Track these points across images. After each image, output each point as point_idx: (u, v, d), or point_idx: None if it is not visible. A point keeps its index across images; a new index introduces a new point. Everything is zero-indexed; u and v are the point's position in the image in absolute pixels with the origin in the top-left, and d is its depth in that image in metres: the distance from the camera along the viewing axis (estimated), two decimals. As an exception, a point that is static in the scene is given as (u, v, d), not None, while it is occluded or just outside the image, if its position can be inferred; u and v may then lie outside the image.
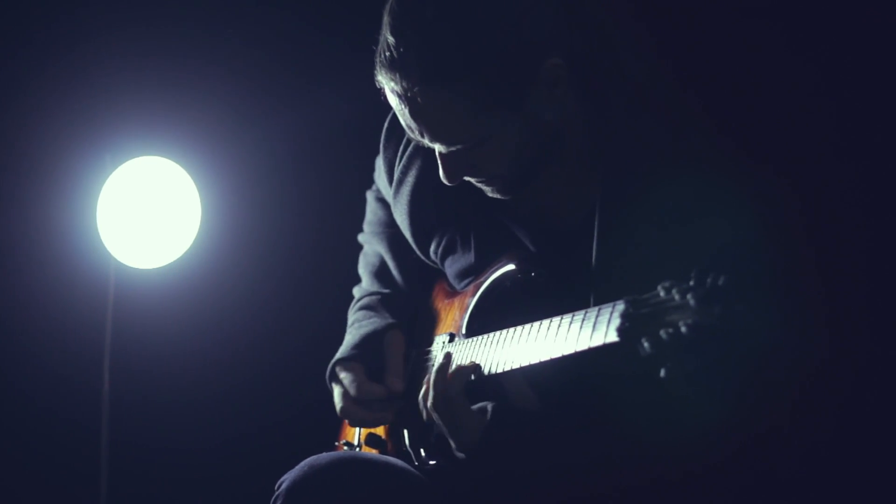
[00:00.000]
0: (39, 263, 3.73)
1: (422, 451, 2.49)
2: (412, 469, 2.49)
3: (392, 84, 2.19)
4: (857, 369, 2.39)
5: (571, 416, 2.23)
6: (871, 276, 2.45)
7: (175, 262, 3.64)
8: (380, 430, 2.68)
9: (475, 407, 2.29)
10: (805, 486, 2.36)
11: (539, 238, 2.40)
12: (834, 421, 2.37)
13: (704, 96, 2.34)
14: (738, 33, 2.64)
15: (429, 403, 2.31)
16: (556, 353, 2.07)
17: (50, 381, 3.74)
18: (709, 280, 1.78)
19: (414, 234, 2.56)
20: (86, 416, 3.66)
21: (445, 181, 2.30)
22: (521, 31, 2.16)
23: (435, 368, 2.33)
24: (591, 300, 2.08)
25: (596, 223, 2.24)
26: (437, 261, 2.56)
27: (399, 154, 2.56)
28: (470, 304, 2.43)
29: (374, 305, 2.74)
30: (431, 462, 2.47)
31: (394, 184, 2.57)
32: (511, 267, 2.37)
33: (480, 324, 2.41)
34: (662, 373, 1.81)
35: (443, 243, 2.52)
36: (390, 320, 2.67)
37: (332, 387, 2.67)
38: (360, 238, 2.89)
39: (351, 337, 2.69)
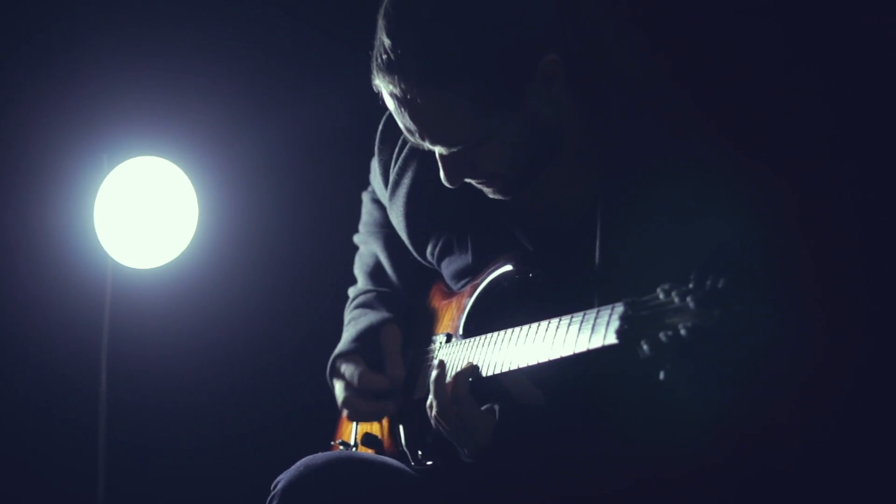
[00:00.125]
0: (37, 263, 3.73)
1: (418, 451, 2.49)
2: (408, 469, 2.49)
3: (390, 87, 2.19)
4: (856, 370, 2.40)
5: (575, 412, 2.23)
6: (869, 277, 2.45)
7: (172, 262, 3.64)
8: (376, 430, 2.68)
9: (482, 408, 2.29)
10: (805, 486, 2.36)
11: (537, 238, 2.40)
12: (833, 422, 2.37)
13: (702, 96, 2.34)
14: (737, 32, 2.64)
15: (434, 413, 2.30)
16: (555, 354, 2.07)
17: (47, 381, 3.74)
18: (708, 282, 1.78)
19: (410, 236, 2.56)
20: (83, 415, 3.66)
21: (447, 183, 2.30)
22: (517, 29, 2.15)
23: (432, 380, 2.33)
24: (595, 301, 2.07)
25: (598, 223, 2.24)
26: (434, 262, 2.55)
27: (394, 156, 2.56)
28: (467, 304, 2.43)
29: (370, 302, 2.74)
30: (428, 462, 2.47)
31: (390, 186, 2.57)
32: (509, 268, 2.37)
33: (478, 324, 2.41)
34: (662, 375, 1.81)
35: (439, 244, 2.52)
36: (386, 314, 2.67)
37: (332, 382, 2.67)
38: (356, 239, 2.89)
39: (348, 333, 2.70)
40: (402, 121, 2.25)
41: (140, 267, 3.63)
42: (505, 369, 2.21)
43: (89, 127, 3.70)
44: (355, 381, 2.59)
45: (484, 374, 2.27)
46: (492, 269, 2.40)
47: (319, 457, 2.41)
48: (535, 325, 2.16)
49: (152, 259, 3.61)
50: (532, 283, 2.36)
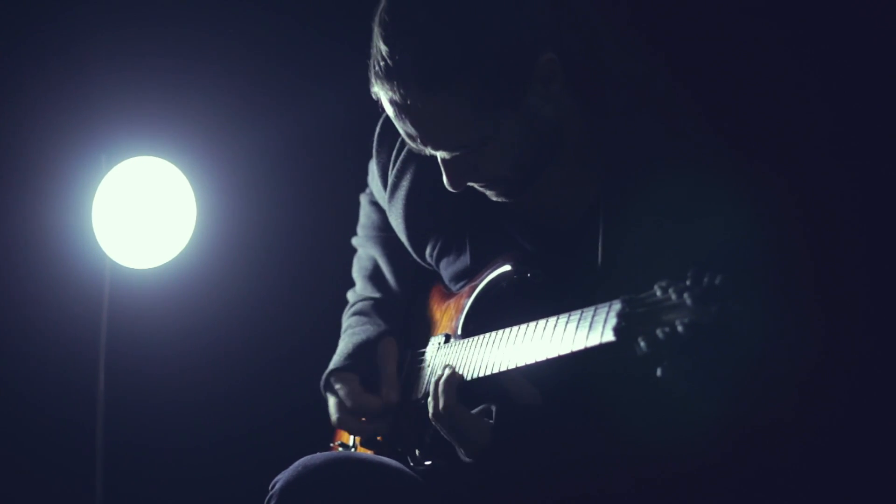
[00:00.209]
0: (35, 263, 3.73)
1: (416, 451, 2.49)
2: (407, 469, 2.49)
3: (390, 94, 2.18)
4: (854, 367, 2.40)
5: (574, 411, 2.23)
6: (867, 274, 2.45)
7: (170, 262, 3.64)
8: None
9: (477, 410, 2.28)
10: (803, 483, 2.36)
11: (537, 238, 2.40)
12: (832, 419, 2.37)
13: (701, 95, 2.34)
14: (735, 31, 2.64)
15: (430, 415, 2.30)
16: (553, 353, 2.07)
17: (45, 381, 3.74)
18: (705, 279, 1.78)
19: (410, 238, 2.56)
20: (81, 415, 3.66)
21: (450, 188, 2.29)
22: (513, 29, 2.15)
23: (433, 382, 2.32)
24: (598, 300, 2.06)
25: (601, 222, 2.24)
26: (433, 263, 2.55)
27: (393, 158, 2.55)
28: (466, 305, 2.43)
29: (367, 311, 2.73)
30: (426, 462, 2.47)
31: (388, 188, 2.56)
32: (507, 268, 2.37)
33: (476, 325, 2.40)
34: (659, 372, 1.81)
35: (438, 246, 2.52)
36: (383, 328, 2.67)
37: (326, 395, 2.67)
38: (354, 241, 2.89)
39: (344, 345, 2.69)
40: (403, 127, 2.24)
41: (138, 267, 3.63)
42: (503, 368, 2.21)
43: (87, 127, 3.70)
44: (348, 402, 2.59)
45: (482, 374, 2.26)
46: (490, 269, 2.40)
47: (317, 457, 2.41)
48: (532, 324, 2.16)
49: (150, 259, 3.62)
50: (531, 283, 2.36)
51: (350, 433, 2.69)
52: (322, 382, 2.68)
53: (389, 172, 2.56)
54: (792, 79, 2.60)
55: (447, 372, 2.30)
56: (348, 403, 2.59)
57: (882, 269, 2.48)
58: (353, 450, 2.73)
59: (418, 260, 2.58)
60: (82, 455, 3.65)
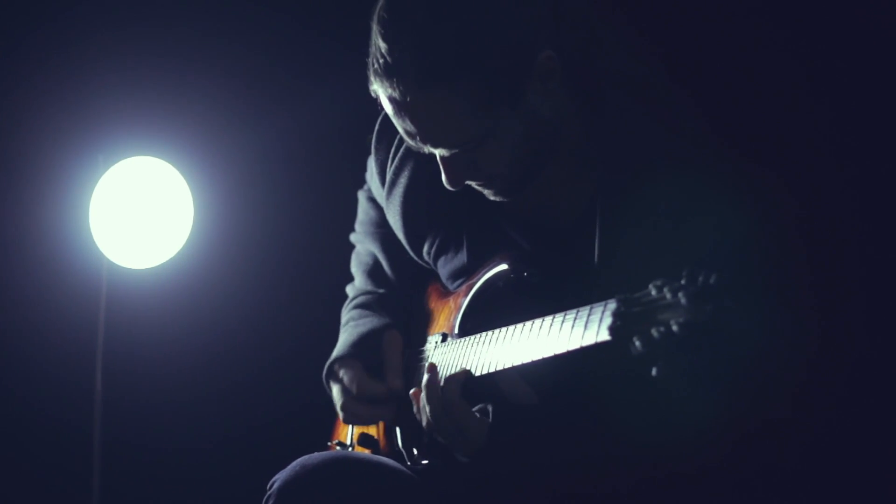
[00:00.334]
0: (32, 263, 3.73)
1: (414, 450, 2.49)
2: (404, 469, 2.49)
3: (389, 91, 2.17)
4: (850, 365, 2.40)
5: (569, 411, 2.23)
6: (863, 272, 2.45)
7: (167, 262, 3.64)
8: (372, 430, 2.68)
9: (475, 409, 2.28)
10: (800, 482, 2.36)
11: (534, 237, 2.40)
12: (828, 417, 2.37)
13: (699, 94, 2.33)
14: (733, 31, 2.64)
15: (426, 417, 2.30)
16: (548, 352, 2.07)
17: (42, 381, 3.74)
18: (700, 278, 1.77)
19: (407, 235, 2.56)
20: (78, 415, 3.66)
21: (449, 186, 2.29)
22: (512, 27, 2.15)
23: (423, 384, 2.32)
24: (594, 299, 2.05)
25: (597, 222, 2.24)
26: (430, 261, 2.55)
27: (391, 155, 2.55)
28: (463, 303, 2.43)
29: (370, 304, 2.73)
30: (424, 462, 2.47)
31: (386, 185, 2.56)
32: (504, 267, 2.37)
33: (473, 324, 2.40)
34: (654, 371, 1.81)
35: (436, 244, 2.52)
36: (387, 320, 2.66)
37: (329, 385, 2.67)
38: (353, 238, 2.89)
39: (348, 335, 2.69)
40: (402, 125, 2.24)
41: (135, 267, 3.64)
42: (499, 367, 2.21)
43: (85, 126, 3.71)
44: (354, 388, 2.58)
45: (478, 373, 2.26)
46: (487, 268, 2.40)
47: (315, 457, 2.41)
48: (528, 323, 2.16)
49: (148, 259, 3.62)
50: (527, 282, 2.36)
51: (354, 420, 2.66)
52: (325, 371, 2.67)
53: (387, 169, 2.56)
54: (789, 79, 2.60)
55: (458, 365, 2.30)
56: (353, 389, 2.58)
57: (878, 267, 2.48)
58: (350, 449, 2.73)
59: (415, 258, 2.58)
60: (79, 455, 3.65)
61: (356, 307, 2.75)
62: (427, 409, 2.29)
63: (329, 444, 2.80)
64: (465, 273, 2.47)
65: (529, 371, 2.18)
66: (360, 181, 2.84)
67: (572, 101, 2.28)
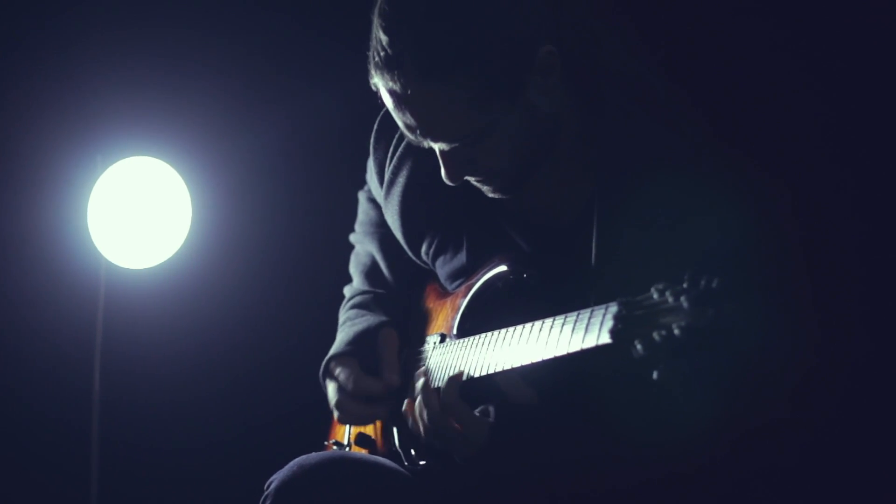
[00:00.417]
0: (30, 263, 3.73)
1: (412, 450, 2.49)
2: (401, 469, 2.49)
3: (389, 84, 2.17)
4: (850, 368, 2.40)
5: (569, 412, 2.23)
6: (863, 276, 2.45)
7: (166, 262, 3.64)
8: (369, 430, 2.68)
9: (476, 411, 2.28)
10: (800, 484, 2.36)
11: (533, 237, 2.40)
12: (828, 420, 2.37)
13: (698, 94, 2.33)
14: (732, 30, 2.64)
15: (424, 422, 2.29)
16: (548, 354, 2.07)
17: (40, 381, 3.73)
18: (702, 282, 1.77)
19: (405, 235, 2.56)
20: (76, 415, 3.66)
21: (448, 181, 2.29)
22: (513, 21, 2.15)
23: (419, 389, 2.31)
24: (591, 300, 2.05)
25: (595, 222, 2.24)
26: (429, 262, 2.55)
27: (389, 155, 2.55)
28: (461, 304, 2.43)
29: (367, 304, 2.73)
30: (421, 462, 2.47)
31: (385, 185, 2.56)
32: (503, 268, 2.37)
33: (472, 325, 2.40)
34: (655, 375, 1.81)
35: (434, 244, 2.52)
36: (384, 318, 2.66)
37: (325, 383, 2.66)
38: (352, 238, 2.89)
39: (344, 334, 2.69)
40: (402, 118, 2.24)
41: (133, 267, 3.63)
42: (498, 369, 2.21)
43: (83, 127, 3.70)
44: (349, 386, 2.58)
45: (477, 375, 2.26)
46: (486, 269, 2.40)
47: (313, 457, 2.41)
48: (528, 326, 2.16)
49: (146, 259, 3.62)
50: (526, 284, 2.36)
51: (348, 418, 2.65)
52: (321, 369, 2.67)
53: (386, 169, 2.55)
54: (789, 79, 2.60)
55: (456, 365, 2.30)
56: (349, 386, 2.58)
57: (878, 269, 2.48)
58: (347, 449, 2.73)
59: (414, 258, 2.58)
60: (77, 455, 3.65)
61: (353, 307, 2.75)
62: (424, 413, 2.29)
63: (325, 443, 2.80)
64: (464, 273, 2.47)
65: (530, 373, 2.19)
66: (360, 181, 2.84)
67: (572, 98, 2.28)
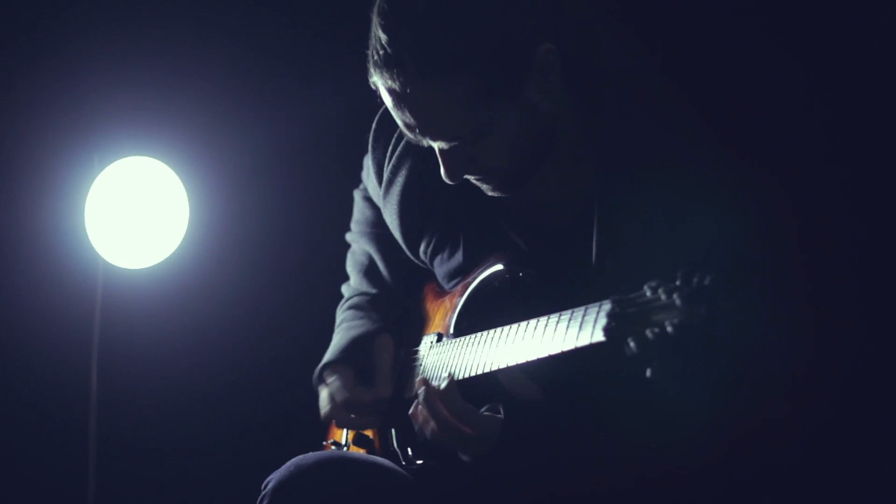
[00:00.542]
0: (27, 263, 3.72)
1: (409, 450, 2.49)
2: (399, 469, 2.49)
3: (389, 82, 2.18)
4: (845, 366, 2.40)
5: (574, 408, 2.23)
6: (858, 273, 2.45)
7: (163, 262, 3.64)
8: (367, 430, 2.68)
9: (484, 409, 2.28)
10: (795, 482, 2.36)
11: (531, 236, 2.40)
12: (823, 418, 2.37)
13: (697, 93, 2.33)
14: (730, 30, 2.64)
15: (431, 428, 2.27)
16: (543, 352, 2.07)
17: (38, 381, 3.73)
18: (695, 280, 1.78)
19: (404, 235, 2.56)
20: (73, 415, 3.66)
21: (447, 180, 2.29)
22: (513, 19, 2.15)
23: (422, 399, 2.28)
24: (590, 299, 2.04)
25: (595, 221, 2.24)
26: (427, 261, 2.55)
27: (388, 154, 2.55)
28: (458, 304, 2.43)
29: (364, 306, 2.73)
30: (419, 462, 2.47)
31: (384, 184, 2.56)
32: (499, 267, 2.37)
33: (469, 324, 2.40)
34: (649, 372, 1.81)
35: (432, 243, 2.52)
36: (380, 323, 2.66)
37: (318, 390, 2.67)
38: (348, 237, 2.89)
39: (339, 339, 2.69)
40: (402, 117, 2.24)
41: (131, 267, 3.63)
42: (494, 368, 2.21)
43: (80, 127, 3.70)
44: (340, 396, 2.58)
45: (474, 374, 2.26)
46: (483, 268, 2.40)
47: (310, 456, 2.41)
48: (524, 324, 2.16)
49: (143, 259, 3.61)
50: (523, 283, 2.36)
51: (339, 427, 2.68)
52: (315, 376, 2.67)
53: (385, 168, 2.55)
54: (787, 79, 2.60)
55: (454, 365, 2.29)
56: (339, 397, 2.58)
57: (873, 267, 2.48)
58: (345, 449, 2.73)
59: (412, 257, 2.58)
60: (75, 455, 3.65)
61: (350, 308, 2.75)
62: (432, 422, 2.27)
63: (324, 443, 2.80)
64: (461, 273, 2.48)
65: (527, 371, 2.19)
66: (356, 180, 2.84)
67: (571, 97, 2.28)
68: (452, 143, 2.23)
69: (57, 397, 3.73)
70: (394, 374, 2.60)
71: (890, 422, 2.47)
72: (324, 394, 2.64)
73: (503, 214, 2.43)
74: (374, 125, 2.59)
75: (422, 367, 2.49)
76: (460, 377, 2.29)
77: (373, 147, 2.60)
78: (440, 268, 2.52)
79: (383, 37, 2.15)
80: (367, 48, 2.21)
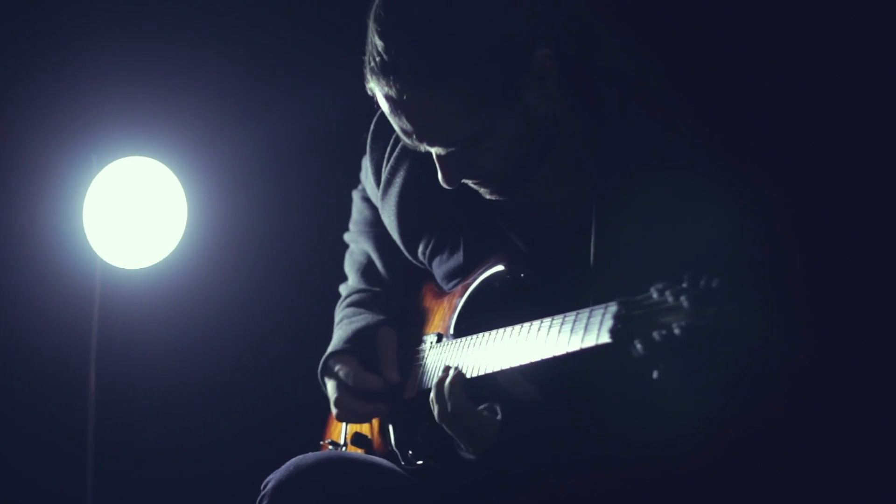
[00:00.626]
0: (26, 263, 3.72)
1: (408, 450, 2.49)
2: (398, 469, 2.49)
3: (386, 89, 2.18)
4: (849, 367, 2.40)
5: (573, 409, 2.23)
6: (861, 274, 2.45)
7: (161, 262, 3.63)
8: (366, 430, 2.68)
9: (482, 408, 2.29)
10: (798, 483, 2.37)
11: (530, 237, 2.40)
12: (827, 419, 2.38)
13: (695, 94, 2.34)
14: (729, 31, 2.64)
15: (437, 417, 2.29)
16: (547, 354, 2.07)
17: (36, 382, 3.72)
18: (702, 282, 1.78)
19: (402, 236, 2.56)
20: (72, 416, 3.65)
21: (445, 185, 2.29)
22: (509, 24, 2.15)
23: (434, 384, 2.31)
24: (589, 300, 2.06)
25: (593, 222, 2.24)
26: (426, 262, 2.55)
27: (387, 155, 2.55)
28: (458, 304, 2.43)
29: (364, 302, 2.73)
30: (418, 462, 2.47)
31: (382, 185, 2.56)
32: (500, 268, 2.37)
33: (469, 325, 2.41)
34: (655, 374, 1.82)
35: (431, 244, 2.52)
36: (382, 317, 2.66)
37: (323, 380, 2.66)
38: (347, 237, 2.89)
39: (342, 332, 2.68)
40: (399, 123, 2.24)
41: (129, 267, 3.62)
42: (496, 369, 2.21)
43: (78, 127, 3.69)
44: (350, 380, 2.58)
45: (475, 374, 2.26)
46: (483, 269, 2.41)
47: (309, 457, 2.41)
48: (527, 325, 2.16)
49: (141, 259, 3.61)
50: (523, 284, 2.36)
51: (348, 415, 2.65)
52: (320, 367, 2.67)
53: (383, 169, 2.55)
54: (786, 79, 2.60)
55: (452, 373, 2.29)
56: (349, 382, 2.58)
57: (873, 267, 2.48)
58: (343, 449, 2.73)
59: (410, 258, 2.58)
60: (73, 455, 3.64)
61: (350, 305, 2.75)
62: (436, 408, 2.29)
63: (322, 443, 2.80)
64: (461, 273, 2.48)
65: (529, 372, 2.19)
66: (354, 181, 2.84)
67: (569, 100, 2.29)
68: (450, 149, 2.24)
69: (55, 397, 3.72)
70: (398, 362, 2.60)
71: (890, 422, 2.48)
72: (331, 383, 2.63)
73: (502, 215, 2.43)
74: (372, 126, 2.59)
75: (422, 368, 2.49)
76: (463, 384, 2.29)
77: (371, 148, 2.60)
78: (439, 268, 2.52)
79: (380, 43, 2.15)
80: (364, 54, 2.21)
